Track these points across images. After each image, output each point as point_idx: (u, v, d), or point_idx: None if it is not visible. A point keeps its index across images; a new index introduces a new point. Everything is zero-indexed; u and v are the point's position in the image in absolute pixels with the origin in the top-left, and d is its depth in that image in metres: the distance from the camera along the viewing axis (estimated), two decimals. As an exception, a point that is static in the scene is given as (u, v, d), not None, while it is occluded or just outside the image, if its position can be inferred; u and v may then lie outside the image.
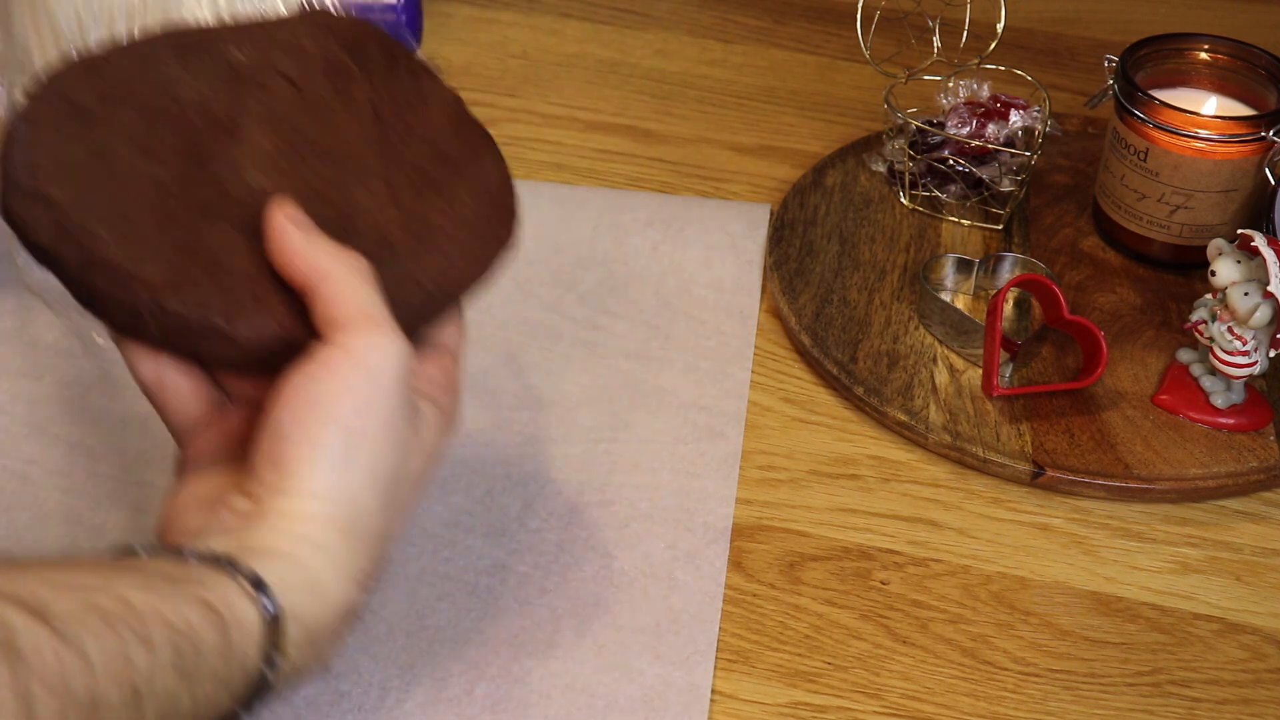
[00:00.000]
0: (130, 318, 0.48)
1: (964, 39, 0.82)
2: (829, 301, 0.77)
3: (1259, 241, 0.66)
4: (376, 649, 0.60)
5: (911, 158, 0.83)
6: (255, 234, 0.49)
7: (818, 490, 0.68)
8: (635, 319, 0.77)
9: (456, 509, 0.66)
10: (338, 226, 0.50)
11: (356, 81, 0.55)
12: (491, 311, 0.77)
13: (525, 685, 0.59)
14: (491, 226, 0.54)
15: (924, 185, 0.84)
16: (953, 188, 0.83)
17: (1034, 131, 0.81)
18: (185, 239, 0.48)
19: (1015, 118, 0.81)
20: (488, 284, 0.54)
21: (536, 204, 0.84)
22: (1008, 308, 0.77)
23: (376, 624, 0.61)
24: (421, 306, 0.51)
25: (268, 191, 0.50)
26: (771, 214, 0.84)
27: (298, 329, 0.48)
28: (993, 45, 0.82)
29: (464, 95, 0.98)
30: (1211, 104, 0.80)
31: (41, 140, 0.49)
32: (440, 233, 0.52)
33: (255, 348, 0.48)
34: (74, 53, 0.55)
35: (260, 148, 0.52)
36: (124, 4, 0.63)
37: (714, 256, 0.81)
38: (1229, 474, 0.68)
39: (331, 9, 0.58)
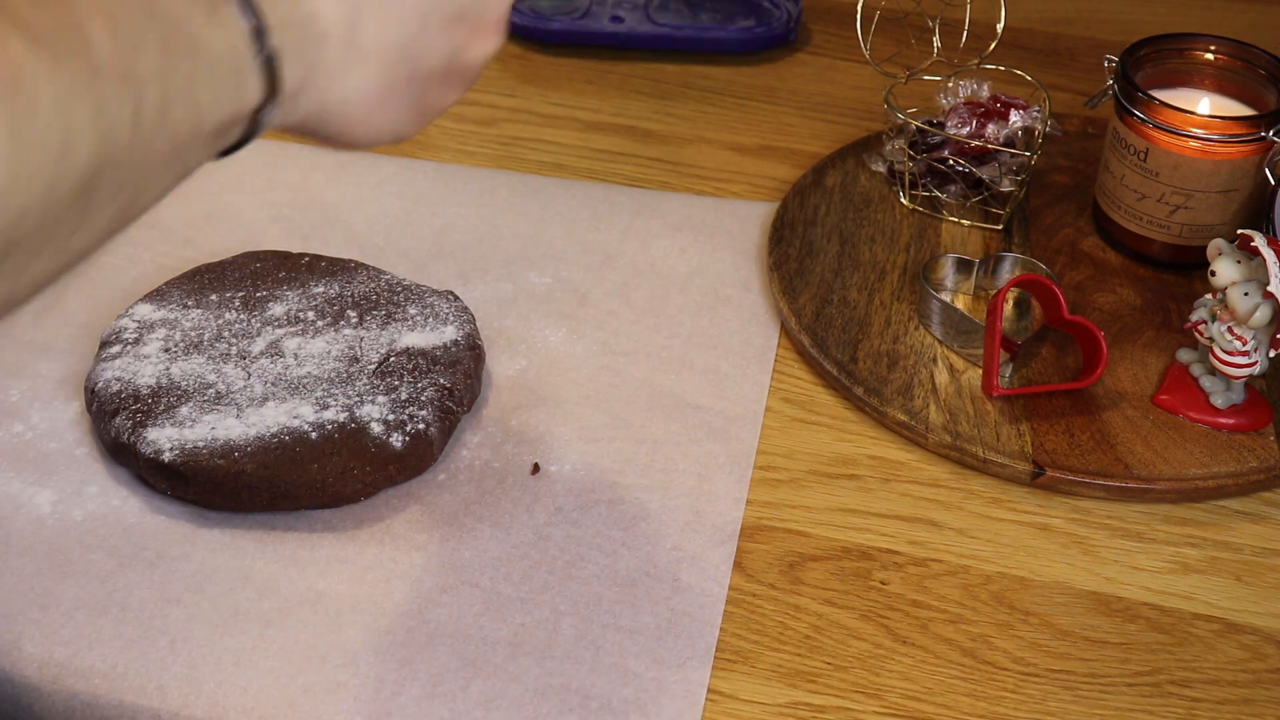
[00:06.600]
0: None
1: (964, 39, 0.82)
2: (829, 301, 0.77)
3: (1259, 241, 0.66)
4: (377, 641, 0.60)
5: (911, 158, 0.82)
6: None
7: (818, 490, 0.68)
8: (656, 318, 0.77)
9: (466, 500, 0.66)
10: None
11: None
12: (516, 303, 0.77)
13: (520, 683, 0.59)
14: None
15: (924, 185, 0.84)
16: (953, 188, 0.83)
17: (1034, 131, 0.81)
18: None
19: (1015, 118, 0.81)
20: None
21: (568, 202, 0.84)
22: (1008, 308, 0.77)
23: (379, 615, 0.61)
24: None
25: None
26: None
27: None
28: (993, 45, 0.82)
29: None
30: (1211, 104, 0.80)
31: None
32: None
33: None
34: None
35: None
36: None
37: (740, 259, 0.81)
38: (1229, 474, 0.68)
39: None
